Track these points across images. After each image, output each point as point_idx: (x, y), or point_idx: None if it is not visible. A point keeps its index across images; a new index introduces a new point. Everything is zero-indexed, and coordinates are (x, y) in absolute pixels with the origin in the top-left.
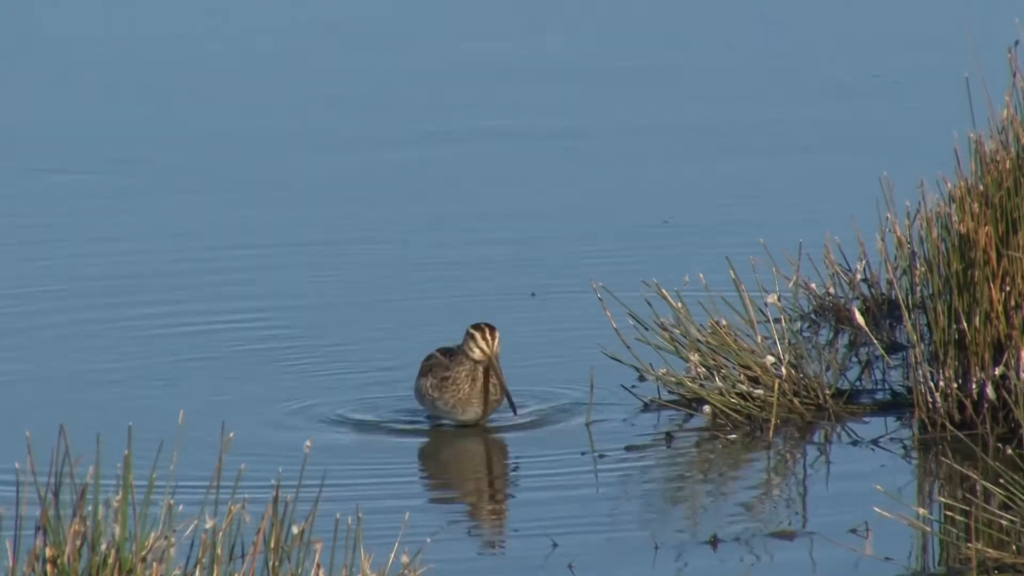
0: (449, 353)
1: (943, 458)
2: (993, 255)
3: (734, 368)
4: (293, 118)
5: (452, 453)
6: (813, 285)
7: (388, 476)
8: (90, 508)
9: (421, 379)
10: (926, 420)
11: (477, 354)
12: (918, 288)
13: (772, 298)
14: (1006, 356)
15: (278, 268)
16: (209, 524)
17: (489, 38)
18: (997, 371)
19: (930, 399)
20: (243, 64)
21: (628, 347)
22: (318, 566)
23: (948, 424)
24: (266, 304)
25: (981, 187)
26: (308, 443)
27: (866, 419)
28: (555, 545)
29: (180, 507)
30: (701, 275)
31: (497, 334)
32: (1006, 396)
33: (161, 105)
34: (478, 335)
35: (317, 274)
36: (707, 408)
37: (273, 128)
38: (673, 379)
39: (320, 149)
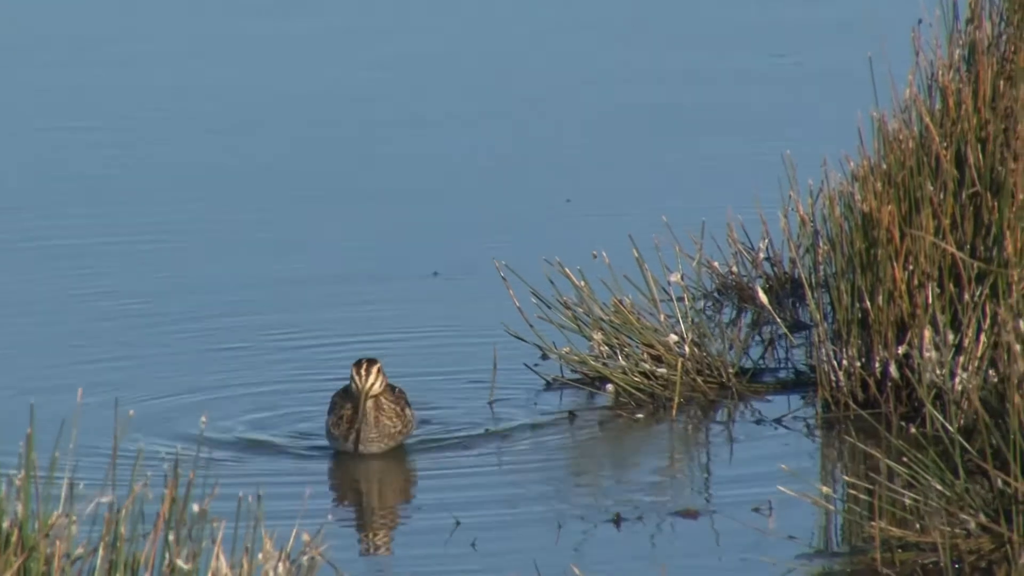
0: (347, 391)
1: (846, 437)
2: (896, 234)
3: (637, 347)
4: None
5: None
6: (716, 264)
7: (289, 455)
8: None
9: (327, 417)
10: (829, 399)
11: (353, 389)
12: (821, 267)
13: (675, 277)
14: (909, 335)
15: (176, 250)
16: (107, 500)
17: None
18: (900, 350)
19: (833, 378)
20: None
21: (531, 326)
22: (219, 544)
23: (851, 403)
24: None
25: (884, 166)
26: (204, 418)
27: (769, 398)
28: (458, 523)
29: (82, 485)
30: (604, 254)
31: (374, 368)
32: (909, 375)
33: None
34: (353, 371)
35: (219, 257)
36: (610, 387)
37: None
38: (576, 358)
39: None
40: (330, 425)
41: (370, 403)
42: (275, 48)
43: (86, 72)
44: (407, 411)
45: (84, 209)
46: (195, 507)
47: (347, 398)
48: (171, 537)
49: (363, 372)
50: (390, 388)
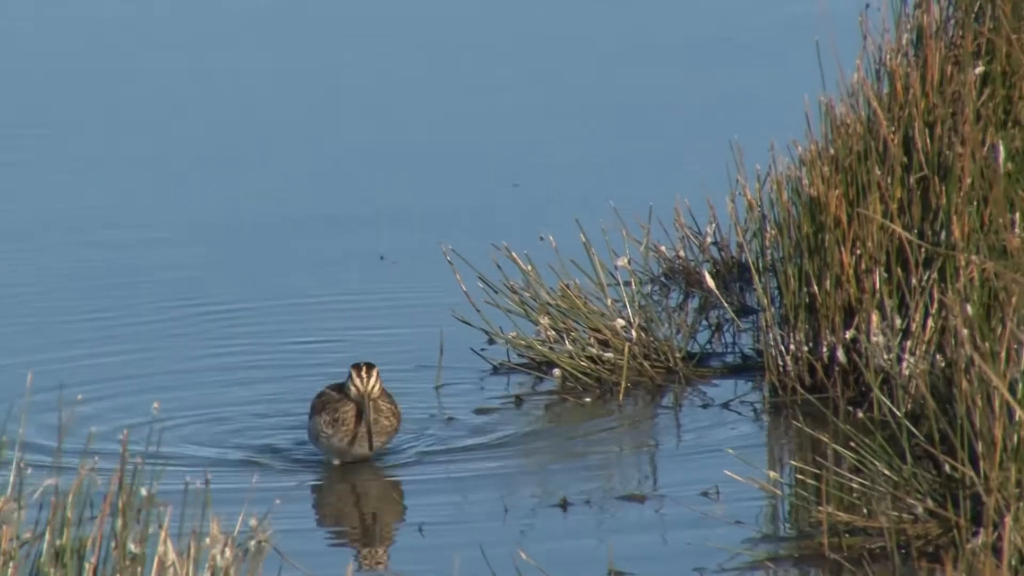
0: (340, 389)
1: (794, 421)
2: (844, 218)
3: (584, 331)
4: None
5: (302, 419)
6: (663, 248)
7: (235, 438)
8: None
9: (315, 417)
10: (777, 383)
11: (353, 392)
12: (768, 251)
13: (622, 261)
14: (856, 319)
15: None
16: (52, 482)
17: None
18: (848, 334)
19: (780, 362)
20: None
21: (478, 310)
22: (166, 529)
23: (799, 387)
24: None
25: (832, 151)
26: (156, 405)
27: (716, 382)
28: (405, 508)
29: (29, 470)
30: (551, 238)
31: (374, 371)
32: (856, 359)
33: None
34: (355, 373)
35: (164, 246)
36: (557, 371)
37: None
38: (523, 342)
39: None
40: (323, 424)
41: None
42: (218, 26)
43: None
44: (398, 407)
45: None
46: (143, 491)
47: (343, 398)
48: (119, 522)
49: (364, 375)
50: (383, 389)
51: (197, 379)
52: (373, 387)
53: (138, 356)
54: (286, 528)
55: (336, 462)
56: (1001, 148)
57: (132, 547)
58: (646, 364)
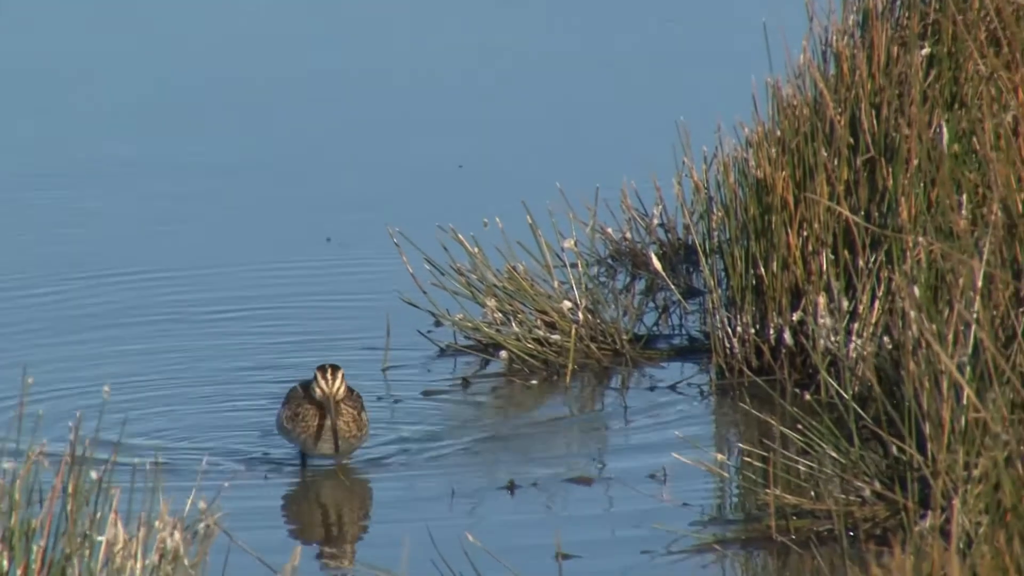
0: (308, 388)
1: (741, 404)
2: (790, 200)
3: (531, 313)
4: None
5: (249, 403)
6: (610, 230)
7: (185, 422)
8: None
9: (281, 408)
10: (723, 365)
11: (318, 393)
12: (715, 233)
13: (569, 243)
14: (803, 302)
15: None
16: (8, 467)
17: None
18: (795, 317)
19: (727, 344)
20: None
21: (424, 292)
22: (116, 512)
23: (746, 370)
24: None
25: (778, 132)
26: (107, 388)
27: (664, 364)
28: (352, 491)
29: None
30: (498, 220)
31: (339, 374)
32: (804, 342)
33: None
34: (319, 375)
35: (109, 236)
36: (504, 353)
37: None
38: (470, 324)
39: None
40: (284, 418)
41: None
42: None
43: None
44: (363, 415)
45: None
46: (93, 474)
47: (307, 396)
48: (69, 505)
49: (329, 377)
50: (349, 391)
51: (152, 362)
52: (337, 389)
53: (84, 340)
54: (234, 511)
55: (306, 456)
56: (947, 130)
57: (94, 535)
58: (593, 346)
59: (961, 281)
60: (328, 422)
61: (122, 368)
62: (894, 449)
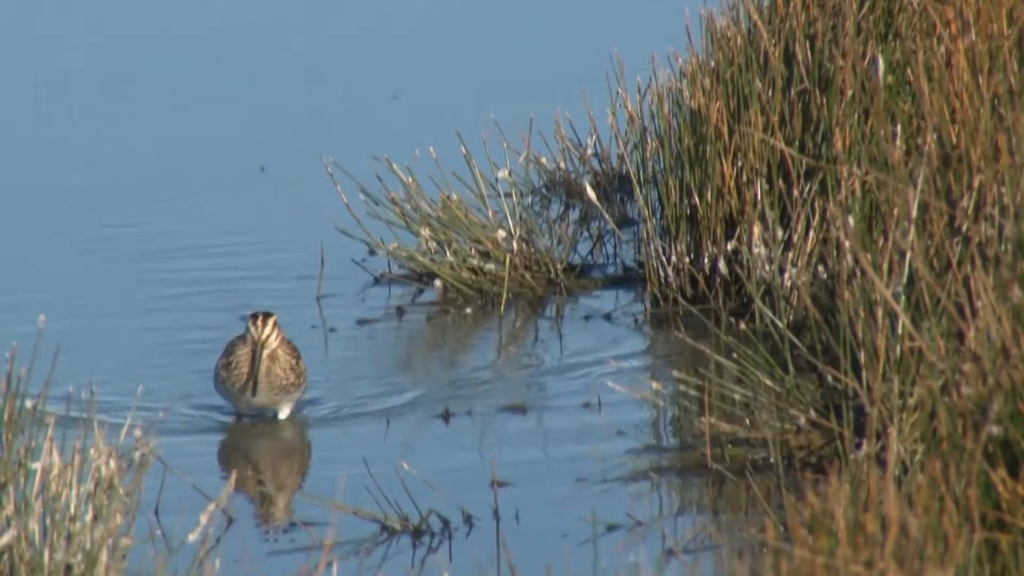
0: (244, 339)
1: (676, 333)
2: (725, 131)
3: (465, 242)
4: None
5: (187, 336)
6: (544, 160)
7: (121, 353)
8: None
9: (218, 359)
10: (658, 295)
11: (250, 341)
12: (650, 163)
13: (503, 173)
14: (738, 231)
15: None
16: None
17: None
18: (729, 246)
19: (662, 273)
20: None
21: (359, 221)
22: (51, 440)
23: (680, 299)
24: None
25: (713, 63)
26: (42, 317)
27: (598, 293)
28: (287, 421)
29: None
30: (432, 150)
31: (271, 320)
32: (738, 271)
33: None
34: (251, 323)
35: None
36: (438, 282)
37: None
38: (404, 254)
39: None
40: (220, 367)
41: (266, 353)
42: None
43: None
44: (300, 363)
45: None
46: (28, 403)
47: (243, 343)
48: (3, 434)
49: (259, 324)
50: (286, 341)
51: (86, 287)
52: (267, 336)
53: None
54: (169, 444)
55: (240, 414)
56: (881, 61)
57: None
58: (527, 275)
59: (896, 211)
60: (278, 368)
61: (58, 298)
62: (829, 378)
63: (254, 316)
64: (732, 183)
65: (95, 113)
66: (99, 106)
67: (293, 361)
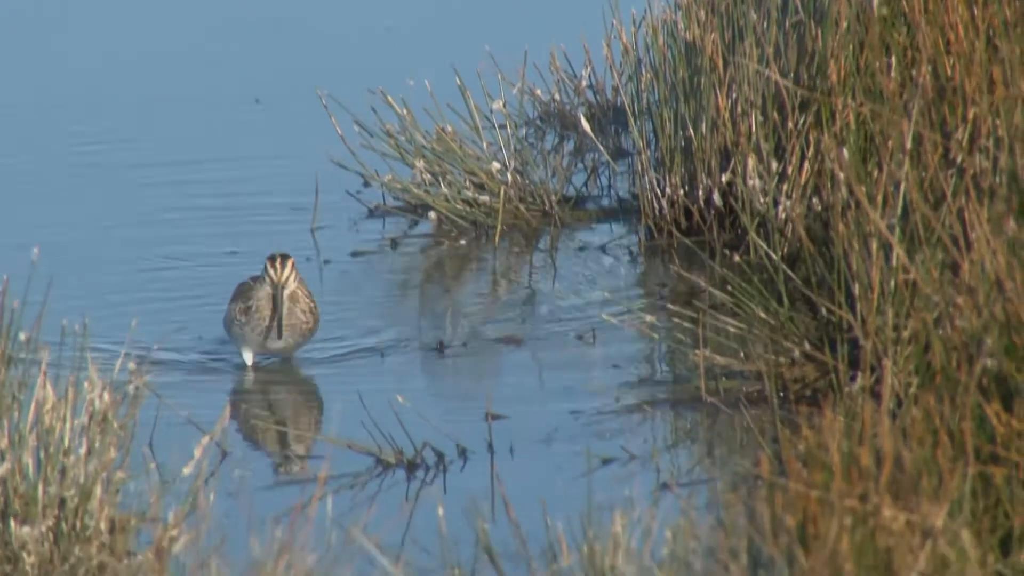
0: (258, 281)
1: (670, 265)
2: (720, 62)
3: (460, 174)
4: None
5: (182, 270)
6: (539, 92)
7: (114, 289)
8: None
9: (230, 304)
10: (653, 227)
11: (268, 284)
12: (644, 95)
13: (498, 104)
14: (732, 163)
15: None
16: None
17: None
18: (724, 178)
19: (656, 206)
20: None
21: (353, 153)
22: (45, 372)
23: (675, 231)
24: None
25: None
26: (36, 249)
27: (593, 226)
28: (281, 355)
29: None
30: (427, 82)
31: (289, 262)
32: (733, 203)
33: None
34: (268, 265)
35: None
36: (433, 214)
37: None
38: (399, 185)
39: None
40: (236, 312)
41: (286, 293)
42: None
43: None
44: (316, 306)
45: None
46: (22, 335)
47: (259, 286)
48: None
49: (278, 266)
50: (303, 283)
51: (82, 214)
52: (287, 278)
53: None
54: (163, 384)
55: (249, 358)
56: None
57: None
58: (522, 207)
59: (890, 143)
60: (298, 310)
61: (52, 234)
62: (824, 310)
63: (272, 258)
64: (727, 115)
65: (87, 42)
66: (89, 42)
67: (312, 303)
